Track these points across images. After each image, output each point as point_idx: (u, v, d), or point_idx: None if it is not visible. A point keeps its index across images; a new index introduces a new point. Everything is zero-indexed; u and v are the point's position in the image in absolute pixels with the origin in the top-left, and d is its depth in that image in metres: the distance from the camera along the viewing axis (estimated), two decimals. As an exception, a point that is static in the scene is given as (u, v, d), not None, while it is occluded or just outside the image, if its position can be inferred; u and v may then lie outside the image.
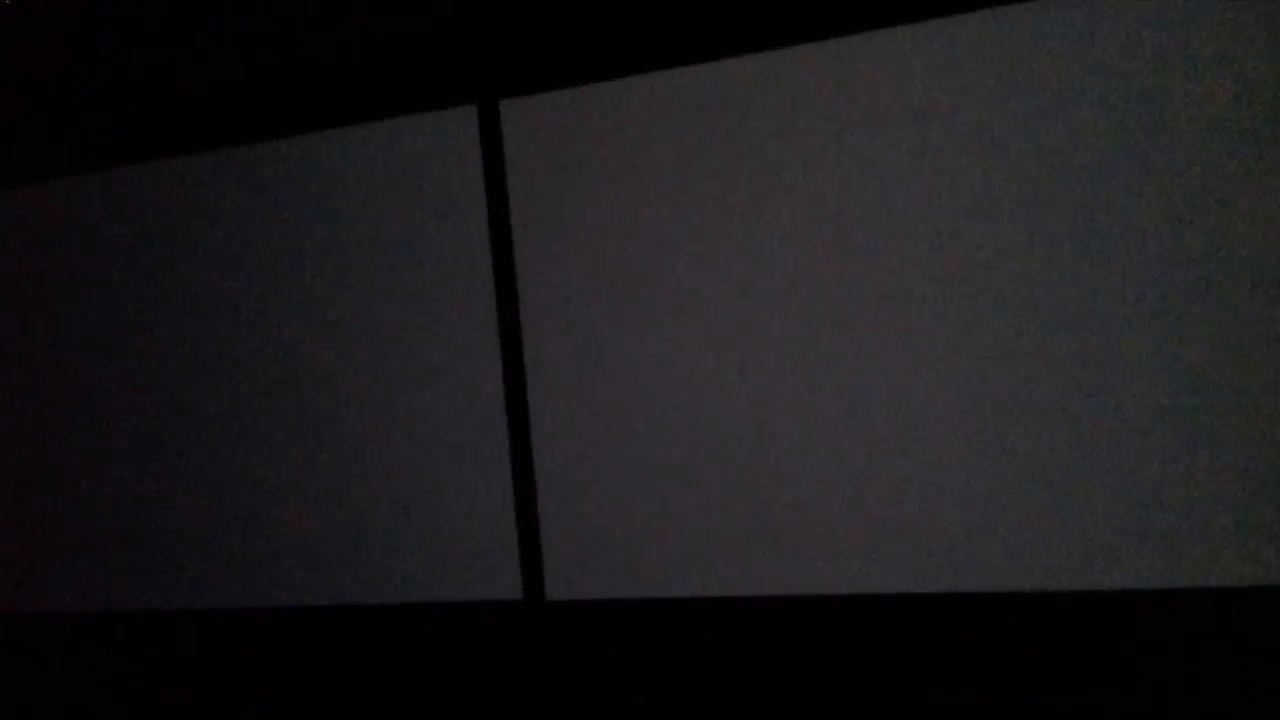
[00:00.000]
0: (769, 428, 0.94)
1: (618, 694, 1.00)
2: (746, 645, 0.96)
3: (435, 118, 1.02)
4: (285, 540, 1.10)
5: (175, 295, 1.13)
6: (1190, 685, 0.85)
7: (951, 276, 0.89)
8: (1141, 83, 0.83)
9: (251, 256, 1.10)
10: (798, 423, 0.93)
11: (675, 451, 0.97)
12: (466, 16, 1.01)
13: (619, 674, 1.00)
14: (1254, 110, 0.81)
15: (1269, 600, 0.82)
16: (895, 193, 0.90)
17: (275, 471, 1.10)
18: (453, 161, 1.02)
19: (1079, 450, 0.86)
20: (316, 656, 1.11)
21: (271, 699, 1.12)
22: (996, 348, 0.88)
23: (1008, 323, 0.87)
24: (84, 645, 1.20)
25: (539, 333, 1.00)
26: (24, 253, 1.19)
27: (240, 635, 1.13)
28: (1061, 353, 0.86)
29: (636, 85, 0.96)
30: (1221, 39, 0.81)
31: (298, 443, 1.09)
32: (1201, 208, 0.82)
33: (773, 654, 0.96)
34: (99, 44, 1.13)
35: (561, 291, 0.99)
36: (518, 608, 1.03)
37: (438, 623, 1.06)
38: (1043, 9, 0.85)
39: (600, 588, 0.99)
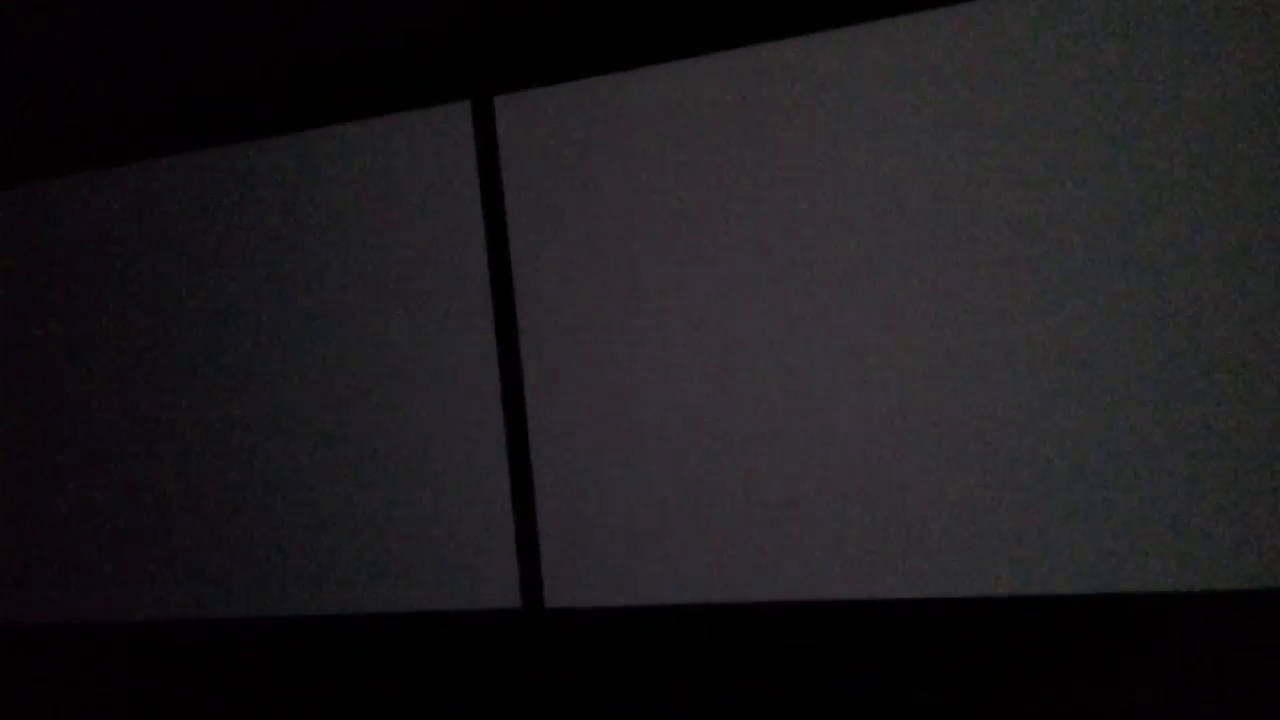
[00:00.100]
0: (770, 432, 0.93)
1: (618, 702, 0.99)
2: (749, 652, 0.95)
3: (429, 114, 1.01)
4: (279, 549, 1.09)
5: (161, 297, 1.12)
6: (1194, 690, 0.83)
7: (957, 278, 0.87)
8: (1143, 79, 0.82)
9: (241, 257, 1.09)
10: (798, 428, 0.92)
11: (676, 456, 0.95)
12: (460, 11, 1.00)
13: (620, 682, 0.99)
14: (1261, 108, 0.79)
15: (1272, 604, 0.81)
16: (898, 190, 0.88)
17: (266, 478, 1.09)
18: (447, 158, 1.01)
19: (1084, 454, 0.85)
20: (313, 667, 1.10)
21: (266, 711, 1.11)
22: (998, 350, 0.86)
23: (1009, 326, 0.86)
24: (72, 657, 1.20)
25: (536, 333, 0.99)
26: (14, 255, 1.18)
27: (233, 646, 1.13)
28: (1064, 356, 0.85)
29: (633, 80, 0.95)
30: (1226, 37, 0.80)
31: (289, 448, 1.08)
32: (1208, 208, 0.81)
33: (776, 660, 0.95)
34: (86, 43, 1.13)
35: (559, 291, 0.98)
36: (516, 616, 1.02)
37: (434, 631, 1.05)
38: (1047, 1, 0.84)
39: (600, 595, 0.98)
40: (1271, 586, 0.81)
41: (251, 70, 1.07)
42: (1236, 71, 0.80)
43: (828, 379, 0.91)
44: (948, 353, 0.88)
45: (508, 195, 0.99)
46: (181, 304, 1.11)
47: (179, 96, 1.10)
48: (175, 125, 1.11)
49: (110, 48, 1.12)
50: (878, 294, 0.90)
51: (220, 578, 1.11)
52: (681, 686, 0.98)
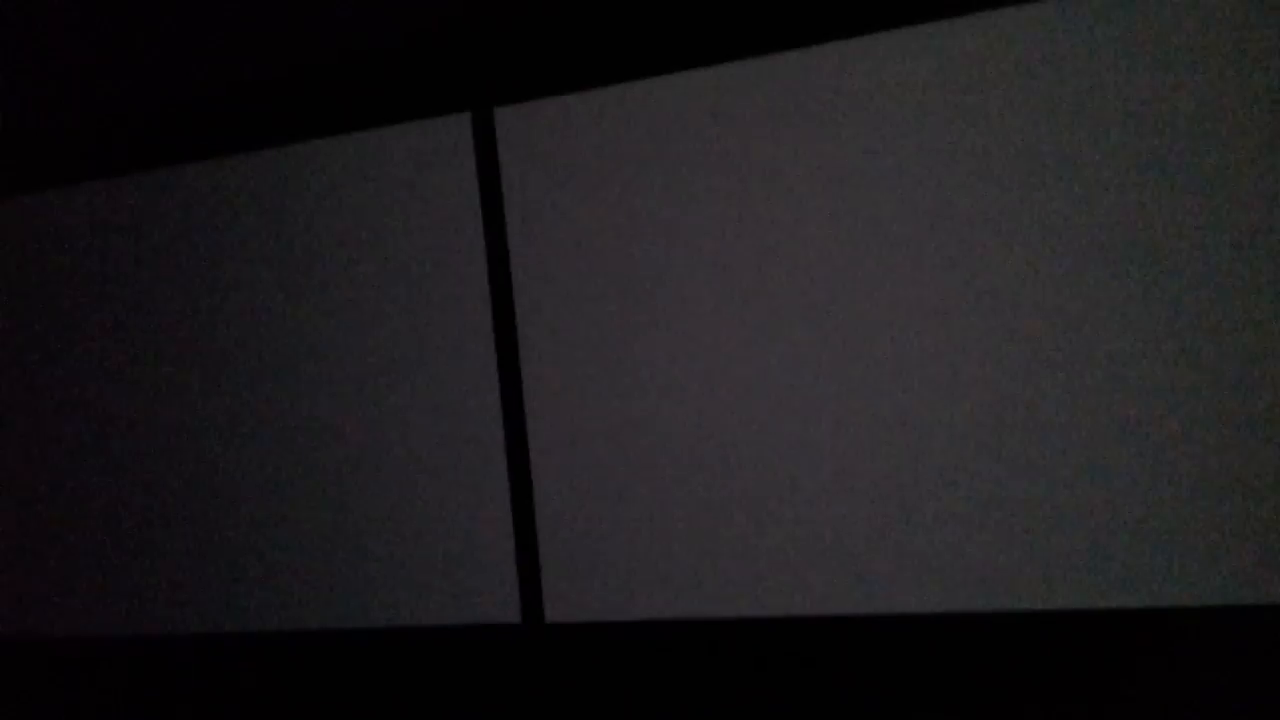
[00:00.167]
0: (773, 446, 0.92)
1: (620, 719, 0.98)
2: (752, 668, 0.94)
3: (429, 125, 1.01)
4: (278, 563, 1.08)
5: (157, 308, 1.11)
6: (1200, 707, 0.83)
7: (956, 290, 0.87)
8: (1144, 83, 0.82)
9: (238, 269, 1.08)
10: (800, 442, 0.91)
11: (677, 469, 0.95)
12: (461, 22, 1.00)
13: (621, 699, 0.98)
14: (1261, 110, 0.79)
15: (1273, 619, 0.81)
16: (897, 203, 0.88)
17: (265, 492, 1.08)
18: (447, 169, 1.01)
19: (1089, 468, 0.84)
20: (311, 682, 1.09)
21: (261, 728, 1.10)
22: (1002, 362, 0.86)
23: (1013, 337, 0.86)
24: (60, 671, 1.18)
25: (536, 344, 0.99)
26: (13, 264, 1.17)
27: (229, 661, 1.11)
28: (1069, 369, 0.85)
29: (634, 92, 0.95)
30: (1229, 38, 0.80)
31: (287, 461, 1.07)
32: (1214, 211, 0.81)
33: (779, 676, 0.94)
34: (84, 54, 1.12)
35: (560, 302, 0.98)
36: (516, 631, 1.01)
37: (433, 646, 1.04)
38: (1048, 10, 0.84)
39: (601, 610, 0.98)
40: (1274, 603, 0.81)
41: (252, 80, 1.07)
42: (1237, 77, 0.80)
43: (829, 392, 0.91)
44: (952, 364, 0.88)
45: (508, 207, 0.99)
46: (176, 316, 1.11)
47: (178, 107, 1.10)
48: (173, 136, 1.11)
49: (109, 59, 1.12)
50: (879, 307, 0.89)
51: (217, 592, 1.10)
52: (683, 703, 0.97)
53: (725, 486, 0.94)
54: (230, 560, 1.10)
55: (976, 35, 0.86)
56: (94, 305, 1.14)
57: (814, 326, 0.91)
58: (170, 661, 1.14)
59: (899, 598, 0.90)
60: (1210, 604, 0.82)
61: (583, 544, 0.98)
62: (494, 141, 1.00)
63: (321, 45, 1.04)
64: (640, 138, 0.95)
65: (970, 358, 0.87)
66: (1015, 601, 0.87)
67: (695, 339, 0.94)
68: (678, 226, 0.94)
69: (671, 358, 0.95)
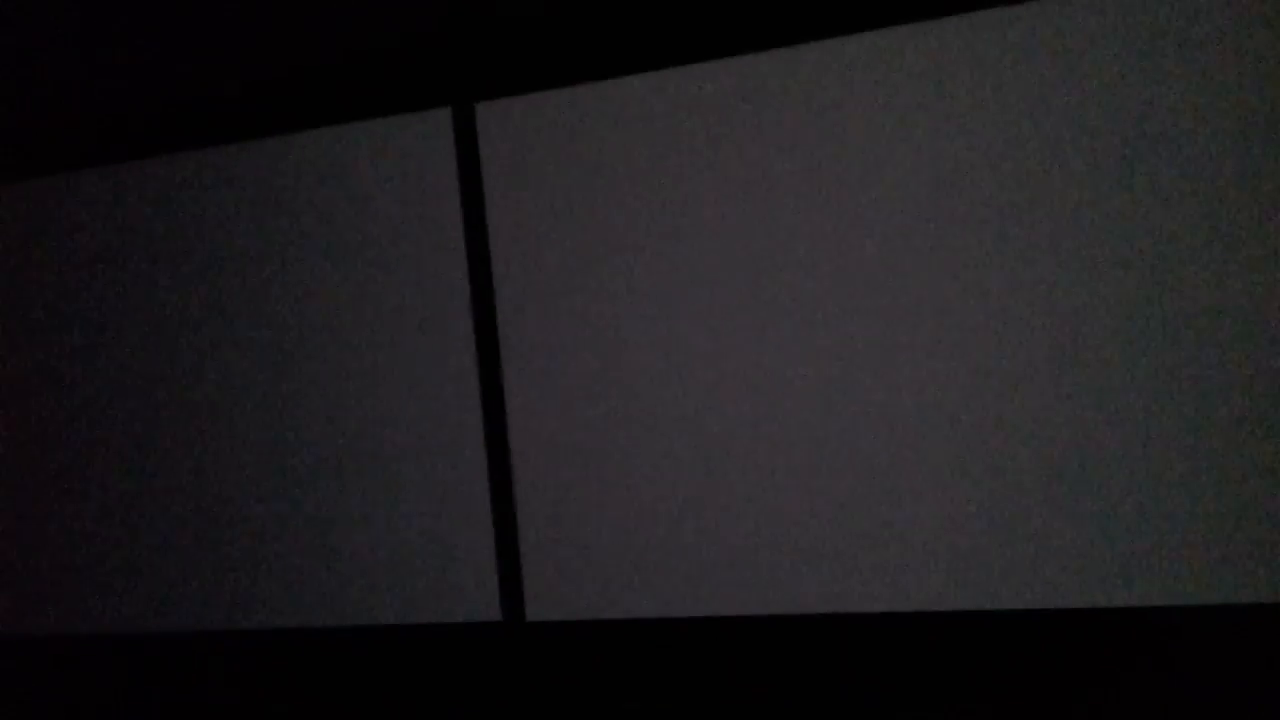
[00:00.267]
0: (760, 441, 0.92)
1: (603, 719, 0.98)
2: (738, 667, 0.95)
3: (409, 120, 1.00)
4: (254, 561, 1.06)
5: (129, 304, 1.09)
6: (1200, 707, 0.84)
7: (950, 288, 0.88)
8: (1144, 83, 0.83)
9: (214, 264, 1.06)
10: (789, 436, 0.92)
11: (661, 465, 0.95)
12: (442, 16, 0.99)
13: (604, 698, 0.99)
14: (1259, 110, 0.81)
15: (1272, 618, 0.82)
16: (889, 197, 0.89)
17: (240, 490, 1.06)
18: (427, 165, 1.00)
19: (1090, 466, 0.85)
20: (288, 681, 1.08)
21: (237, 729, 1.09)
22: (998, 360, 0.87)
23: (1010, 338, 0.86)
24: (47, 670, 1.16)
25: (517, 342, 0.98)
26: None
27: (207, 659, 1.10)
28: (1070, 369, 0.85)
29: (618, 88, 0.94)
30: (1227, 38, 0.81)
31: (262, 459, 1.06)
32: (1214, 210, 0.82)
33: (765, 676, 0.94)
34: (68, 45, 1.09)
35: (540, 300, 0.97)
36: (497, 629, 1.01)
37: (411, 645, 1.04)
38: (1047, 9, 0.85)
39: (584, 608, 0.97)
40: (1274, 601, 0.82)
41: (229, 74, 1.05)
42: (1237, 78, 0.81)
43: (816, 388, 0.91)
44: (945, 362, 0.88)
45: (489, 203, 0.98)
46: (144, 312, 1.08)
47: (156, 100, 1.08)
48: (149, 129, 1.08)
49: (88, 52, 1.09)
50: (868, 305, 0.90)
51: (194, 591, 1.09)
52: (668, 703, 0.97)
53: (709, 484, 0.94)
54: (207, 559, 1.08)
55: (976, 35, 0.87)
56: (67, 305, 1.12)
57: (800, 322, 0.91)
58: (152, 660, 1.12)
59: (887, 596, 0.90)
60: (1207, 603, 0.83)
61: (564, 541, 0.98)
62: (475, 137, 0.99)
63: (301, 39, 1.02)
64: (624, 134, 0.94)
65: (964, 355, 0.88)
66: (1011, 600, 0.88)
67: (678, 336, 0.94)
68: (661, 224, 0.94)
69: (654, 354, 0.95)
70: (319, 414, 1.04)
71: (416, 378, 1.01)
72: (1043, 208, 0.85)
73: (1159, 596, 0.84)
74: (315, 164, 1.03)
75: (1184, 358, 0.83)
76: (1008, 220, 0.86)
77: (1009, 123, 0.86)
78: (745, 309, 0.92)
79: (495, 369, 0.99)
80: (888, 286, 0.89)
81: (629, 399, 0.95)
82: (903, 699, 0.91)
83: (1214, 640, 0.84)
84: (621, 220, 0.95)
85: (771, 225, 0.92)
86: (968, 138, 0.87)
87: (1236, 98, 0.81)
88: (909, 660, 0.91)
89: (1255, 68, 0.81)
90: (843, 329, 0.90)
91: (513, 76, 0.97)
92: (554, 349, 0.97)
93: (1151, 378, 0.84)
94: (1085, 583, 0.86)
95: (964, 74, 0.86)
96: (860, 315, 0.90)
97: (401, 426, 1.02)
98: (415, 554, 1.02)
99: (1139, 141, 0.83)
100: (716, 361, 0.93)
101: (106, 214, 1.09)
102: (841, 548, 0.91)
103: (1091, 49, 0.84)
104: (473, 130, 0.99)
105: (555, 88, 0.96)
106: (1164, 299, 0.83)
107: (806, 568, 0.92)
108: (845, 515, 0.91)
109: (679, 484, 0.95)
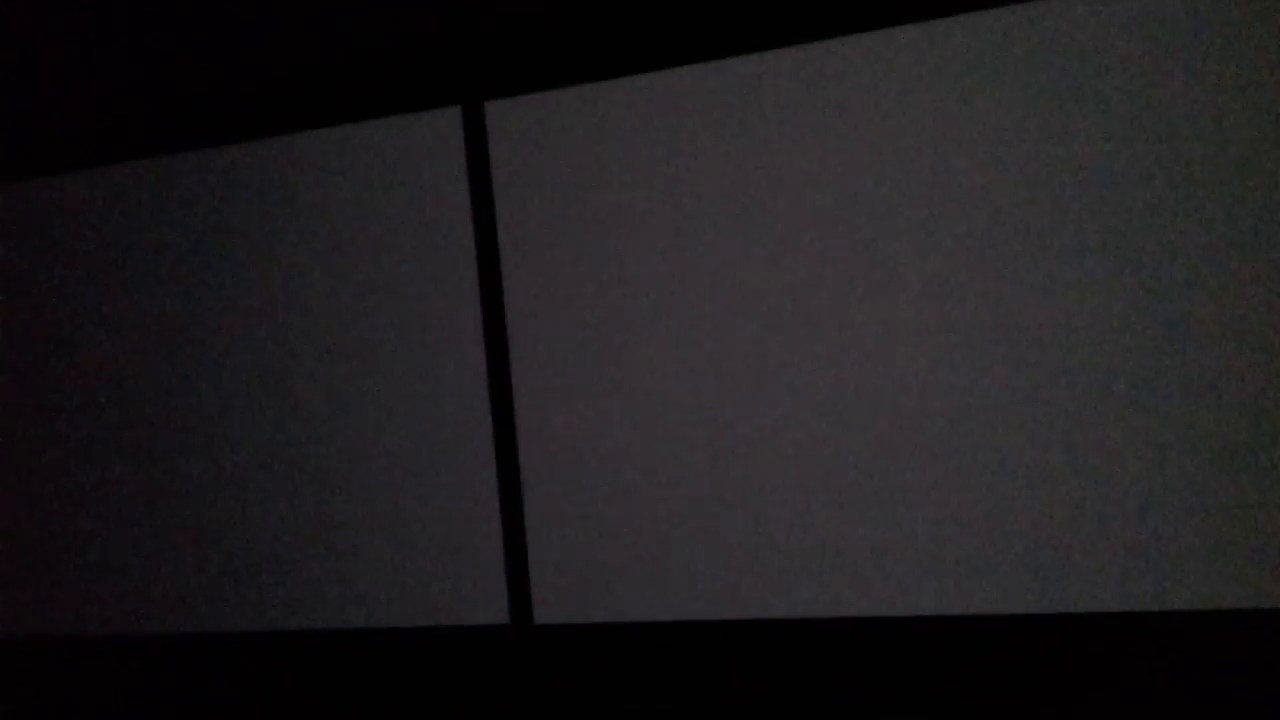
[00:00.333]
0: (764, 447, 0.91)
1: (609, 724, 0.97)
2: (742, 669, 0.93)
3: (419, 119, 1.00)
4: (265, 563, 1.07)
5: (143, 302, 1.10)
6: (1199, 710, 0.81)
7: (953, 290, 0.86)
8: (1144, 83, 0.81)
9: (225, 262, 1.07)
10: (790, 442, 0.90)
11: (667, 470, 0.94)
12: (452, 16, 0.99)
13: (609, 700, 0.97)
14: (1259, 109, 0.78)
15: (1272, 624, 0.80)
16: (896, 197, 0.87)
17: (253, 493, 1.07)
18: (437, 163, 1.00)
19: (1090, 471, 0.83)
20: (299, 683, 1.08)
21: (246, 730, 1.09)
22: (1000, 363, 0.85)
23: (1013, 340, 0.85)
24: (50, 672, 1.18)
25: (526, 343, 0.97)
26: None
27: (218, 661, 1.10)
28: (1073, 373, 0.83)
29: (624, 87, 0.94)
30: (1226, 38, 0.79)
31: (274, 461, 1.06)
32: (1214, 212, 0.80)
33: (769, 678, 0.93)
34: (71, 44, 1.12)
35: (549, 300, 0.97)
36: (504, 632, 1.00)
37: (421, 647, 1.03)
38: (1045, 9, 0.83)
39: (590, 611, 0.96)
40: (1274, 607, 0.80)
41: (242, 72, 1.06)
42: (1236, 78, 0.79)
43: (820, 391, 0.90)
44: (949, 365, 0.86)
45: (498, 201, 0.98)
46: (162, 310, 1.10)
47: (169, 99, 1.09)
48: (165, 127, 1.10)
49: (99, 50, 1.11)
50: (873, 307, 0.88)
51: (206, 593, 1.09)
52: (672, 705, 0.95)
53: (715, 488, 0.93)
54: (219, 562, 1.09)
55: (976, 35, 0.85)
56: (64, 303, 1.13)
57: (806, 324, 0.90)
58: (158, 662, 1.13)
59: (890, 600, 0.88)
60: (1205, 608, 0.81)
61: (571, 546, 0.97)
62: (484, 136, 0.99)
63: (312, 39, 1.03)
64: (631, 133, 0.94)
65: (967, 359, 0.86)
66: (1010, 605, 0.85)
67: (687, 337, 0.93)
68: (669, 222, 0.93)
69: (663, 357, 0.94)
70: (327, 418, 1.04)
71: (425, 380, 1.01)
72: (1043, 209, 0.83)
73: (1156, 601, 0.82)
74: (326, 162, 1.03)
75: (1185, 361, 0.80)
76: (1008, 222, 0.84)
77: (1009, 123, 0.84)
78: (756, 308, 0.91)
79: (505, 375, 0.98)
80: (893, 290, 0.87)
81: (637, 403, 0.94)
82: (904, 702, 0.89)
83: (1211, 645, 0.81)
84: (629, 218, 0.94)
85: (782, 223, 0.90)
86: (968, 138, 0.85)
87: (1236, 98, 0.79)
88: (910, 663, 0.88)
89: (1256, 68, 0.78)
90: (853, 335, 0.89)
91: (522, 76, 0.97)
92: (563, 350, 0.96)
93: (1151, 384, 0.81)
94: (1085, 588, 0.83)
95: (964, 74, 0.85)
96: (867, 321, 0.88)
97: (411, 431, 1.01)
98: (425, 558, 1.02)
99: (1139, 141, 0.81)
100: (726, 365, 0.92)
101: (120, 211, 1.11)
102: (845, 554, 0.89)
103: (1092, 49, 0.82)
104: (482, 128, 0.99)
105: (564, 87, 0.96)
106: (1168, 300, 0.81)
107: (810, 573, 0.90)
108: (849, 523, 0.89)
109: (684, 490, 0.93)
